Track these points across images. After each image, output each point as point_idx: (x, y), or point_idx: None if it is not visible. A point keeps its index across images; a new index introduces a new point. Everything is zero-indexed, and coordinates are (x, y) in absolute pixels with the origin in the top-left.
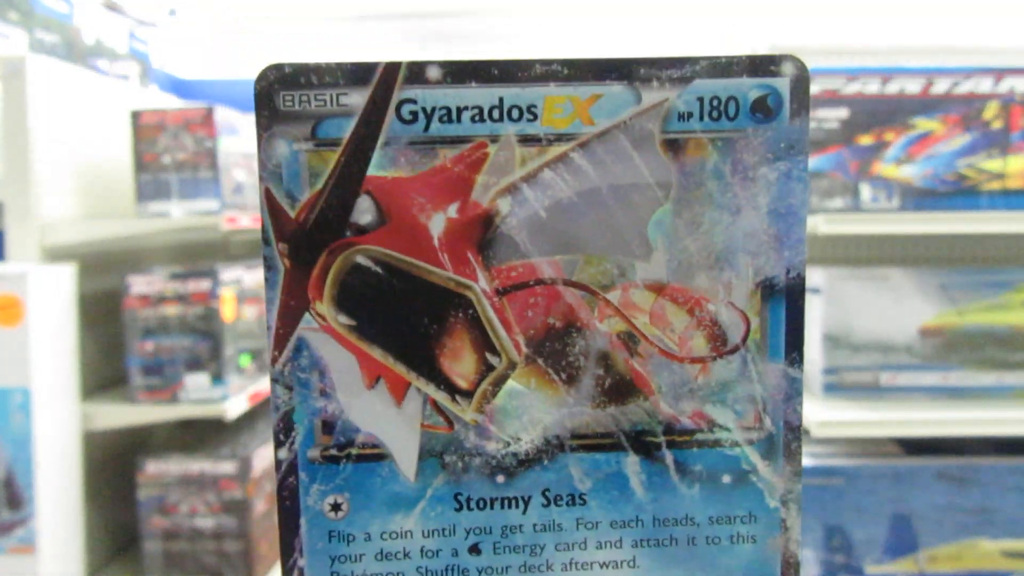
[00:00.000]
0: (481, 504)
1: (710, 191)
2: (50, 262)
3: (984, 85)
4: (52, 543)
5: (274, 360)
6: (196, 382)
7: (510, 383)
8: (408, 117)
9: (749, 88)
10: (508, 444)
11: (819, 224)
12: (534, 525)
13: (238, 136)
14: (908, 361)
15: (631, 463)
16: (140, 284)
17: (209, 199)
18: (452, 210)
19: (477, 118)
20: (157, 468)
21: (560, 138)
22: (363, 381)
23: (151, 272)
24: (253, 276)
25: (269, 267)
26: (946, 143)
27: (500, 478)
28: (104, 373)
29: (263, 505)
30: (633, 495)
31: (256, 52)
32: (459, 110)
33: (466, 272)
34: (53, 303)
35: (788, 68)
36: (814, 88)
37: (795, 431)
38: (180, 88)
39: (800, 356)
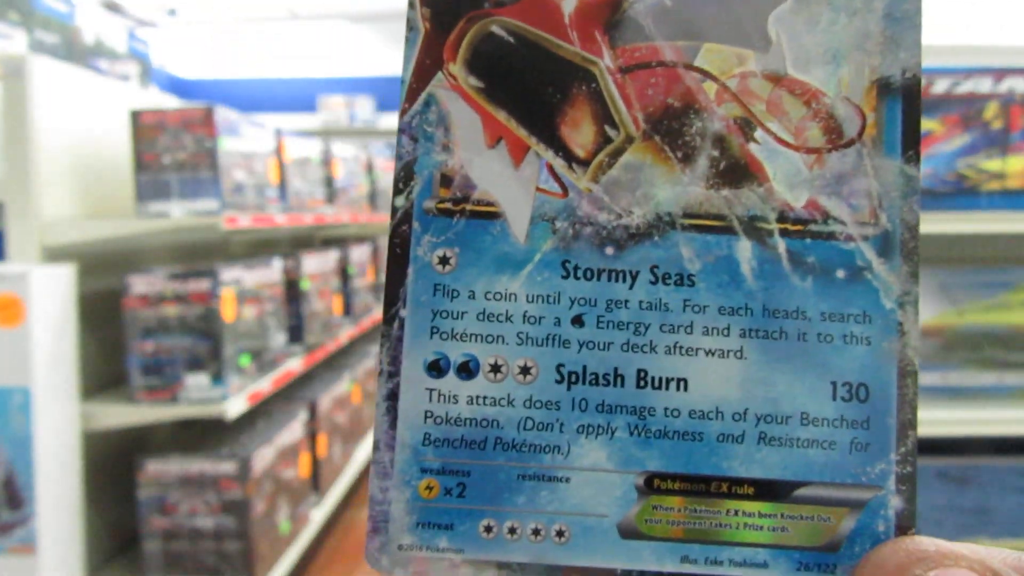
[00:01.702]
0: (588, 274)
1: None
2: (50, 262)
3: (984, 85)
4: (52, 543)
5: (403, 112)
6: (196, 382)
7: (626, 156)
8: None
9: None
10: (620, 216)
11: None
12: (640, 302)
13: (238, 136)
14: None
15: (742, 248)
16: (140, 284)
17: (209, 199)
18: None
19: None
20: (157, 468)
21: None
22: (485, 140)
23: (151, 272)
24: (253, 276)
25: (410, 28)
26: (946, 143)
27: (609, 250)
28: (104, 373)
29: (263, 505)
30: (743, 281)
31: (256, 52)
32: None
33: (592, 49)
34: (53, 303)
35: None
36: None
37: (912, 230)
38: (180, 88)
39: (917, 155)
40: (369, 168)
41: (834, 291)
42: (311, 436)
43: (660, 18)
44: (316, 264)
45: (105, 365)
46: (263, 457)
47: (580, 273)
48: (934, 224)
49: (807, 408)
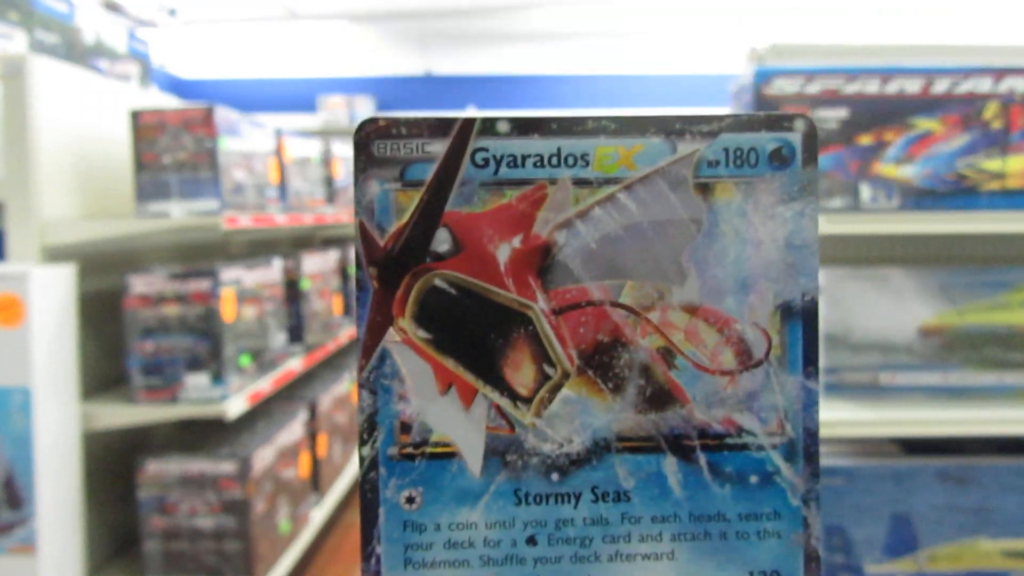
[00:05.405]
0: (538, 499)
1: (736, 226)
2: (50, 262)
3: (984, 85)
4: (52, 543)
5: (361, 368)
6: (196, 382)
7: (564, 391)
8: (481, 162)
9: (767, 141)
10: (562, 445)
11: (819, 224)
12: (584, 519)
13: (238, 136)
14: (908, 361)
15: (669, 464)
16: (140, 284)
17: (209, 199)
18: (516, 241)
19: (538, 164)
20: (157, 468)
21: (608, 181)
22: (437, 388)
23: (151, 272)
24: (253, 276)
25: (361, 287)
26: (946, 143)
27: (555, 476)
28: (104, 373)
29: (263, 505)
30: (671, 493)
31: (256, 52)
32: (523, 157)
33: (527, 294)
34: (53, 303)
35: (799, 124)
36: (814, 88)
37: (813, 436)
38: (180, 88)
39: (816, 370)
40: None
41: (749, 494)
42: (311, 436)
43: (586, 261)
44: (316, 264)
45: (105, 365)
46: (263, 457)
47: (531, 499)
48: (934, 224)
49: None
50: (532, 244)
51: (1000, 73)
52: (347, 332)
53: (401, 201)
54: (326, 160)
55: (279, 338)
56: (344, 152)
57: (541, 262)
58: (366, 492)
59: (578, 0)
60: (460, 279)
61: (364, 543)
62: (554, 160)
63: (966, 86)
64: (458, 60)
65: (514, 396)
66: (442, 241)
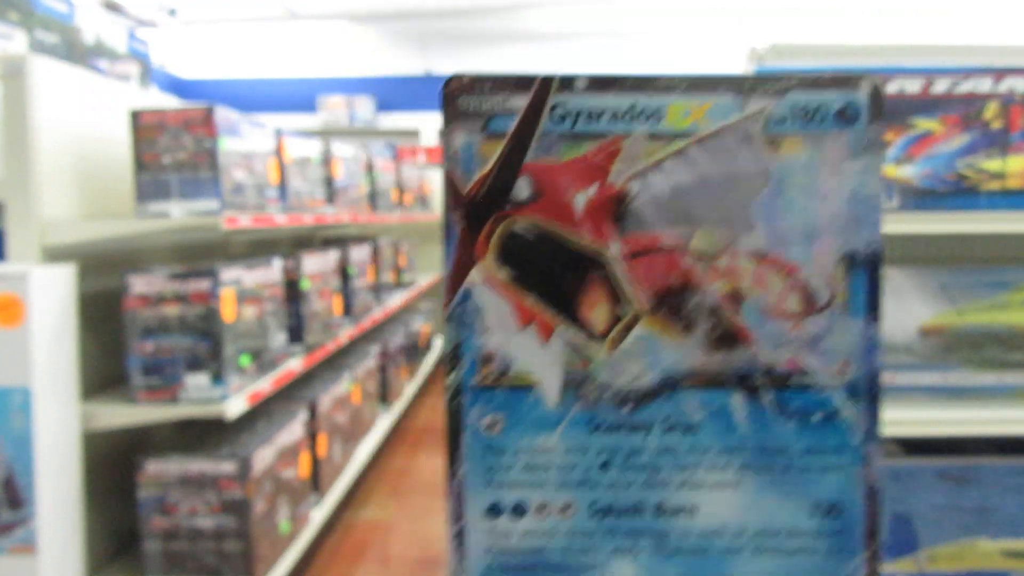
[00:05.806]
0: (611, 429)
1: (802, 180)
2: (50, 262)
3: (984, 85)
4: (52, 543)
5: (447, 303)
6: (196, 382)
7: (636, 329)
8: (559, 117)
9: (834, 99)
10: (634, 379)
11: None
12: (654, 448)
13: (238, 136)
14: (908, 361)
15: (736, 400)
16: (140, 284)
17: (209, 199)
18: (592, 190)
19: (613, 119)
20: (157, 468)
21: (680, 135)
22: (517, 323)
23: (151, 272)
24: (253, 276)
25: (448, 229)
26: (946, 143)
27: (627, 408)
28: (104, 373)
29: (263, 505)
30: (738, 427)
31: (256, 52)
32: (599, 112)
33: (603, 239)
34: (53, 303)
35: (865, 84)
36: None
37: (875, 378)
38: (180, 88)
39: (877, 315)
40: (369, 168)
41: (812, 430)
42: (311, 436)
43: (658, 209)
44: (316, 264)
45: (105, 365)
46: (263, 457)
47: (604, 428)
48: (934, 224)
49: (793, 524)
50: (607, 193)
51: (1000, 73)
52: (347, 332)
53: (484, 151)
54: (326, 160)
55: (279, 338)
56: (344, 152)
57: (616, 210)
58: (452, 417)
59: (578, 0)
60: (539, 224)
61: (450, 463)
62: (628, 116)
63: (966, 86)
64: (458, 60)
65: (590, 333)
66: (522, 188)
